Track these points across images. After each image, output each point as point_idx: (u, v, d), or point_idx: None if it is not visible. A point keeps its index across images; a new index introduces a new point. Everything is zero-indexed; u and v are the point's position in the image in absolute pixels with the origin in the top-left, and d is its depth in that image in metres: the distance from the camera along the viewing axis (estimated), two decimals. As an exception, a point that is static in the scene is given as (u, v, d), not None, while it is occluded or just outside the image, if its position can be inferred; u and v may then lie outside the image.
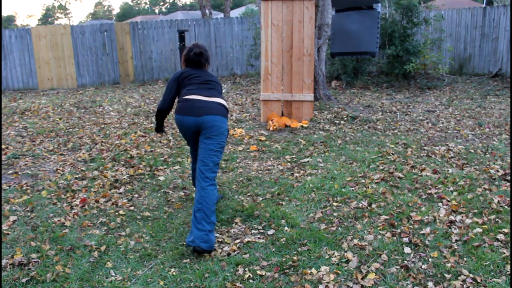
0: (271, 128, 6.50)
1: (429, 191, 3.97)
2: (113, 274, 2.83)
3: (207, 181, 3.16)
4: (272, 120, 6.64)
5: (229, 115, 7.62)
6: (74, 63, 12.64)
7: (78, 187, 4.42)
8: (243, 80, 12.40)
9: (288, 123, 6.68)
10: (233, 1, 33.48)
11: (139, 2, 67.04)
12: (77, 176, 4.74)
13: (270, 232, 3.32)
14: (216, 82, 3.43)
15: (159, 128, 3.74)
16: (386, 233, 3.22)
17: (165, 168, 4.93)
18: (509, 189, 3.95)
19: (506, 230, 3.18)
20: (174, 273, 2.81)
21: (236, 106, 8.56)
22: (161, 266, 2.91)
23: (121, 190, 4.31)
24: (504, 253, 2.89)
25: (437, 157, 4.97)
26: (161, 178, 4.60)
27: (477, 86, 10.07)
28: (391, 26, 10.37)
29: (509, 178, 4.24)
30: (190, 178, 4.63)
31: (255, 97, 9.41)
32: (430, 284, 2.61)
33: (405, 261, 2.85)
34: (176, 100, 3.51)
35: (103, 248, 3.14)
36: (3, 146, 5.96)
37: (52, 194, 4.23)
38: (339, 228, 3.35)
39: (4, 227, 3.51)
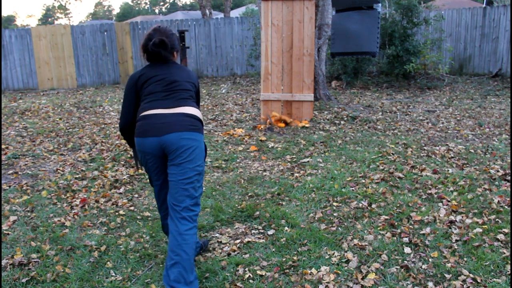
0: (269, 122, 6.52)
1: (429, 191, 3.97)
2: (113, 274, 2.83)
3: (185, 224, 2.42)
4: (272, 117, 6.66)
5: (229, 115, 7.62)
6: (74, 63, 12.65)
7: (78, 187, 4.42)
8: (243, 80, 12.40)
9: (288, 120, 6.69)
10: (233, 1, 33.48)
11: (139, 2, 67.05)
12: (77, 176, 4.74)
13: (270, 232, 3.32)
14: (187, 82, 2.61)
15: (132, 144, 2.81)
16: (386, 233, 3.22)
17: (165, 168, 4.93)
18: (509, 189, 3.95)
19: (506, 230, 3.18)
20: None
21: (236, 106, 8.56)
22: (161, 266, 2.90)
23: (121, 190, 4.31)
24: (504, 253, 2.89)
25: (437, 157, 4.97)
26: (161, 178, 4.59)
27: (477, 86, 10.07)
28: (391, 26, 10.37)
29: (509, 178, 4.23)
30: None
31: (255, 97, 9.41)
32: (430, 284, 2.61)
33: (405, 261, 2.85)
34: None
35: (103, 248, 3.14)
36: (3, 146, 5.96)
37: (52, 194, 4.22)
38: (339, 228, 3.35)
39: (4, 227, 3.51)
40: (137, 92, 2.60)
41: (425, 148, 5.37)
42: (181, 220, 2.43)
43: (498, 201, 3.69)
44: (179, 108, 2.50)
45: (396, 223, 3.38)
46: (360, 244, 3.07)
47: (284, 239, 3.19)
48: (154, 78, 2.55)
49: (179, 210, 2.44)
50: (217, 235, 3.32)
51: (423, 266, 2.79)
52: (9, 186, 4.49)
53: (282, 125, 6.64)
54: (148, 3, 66.46)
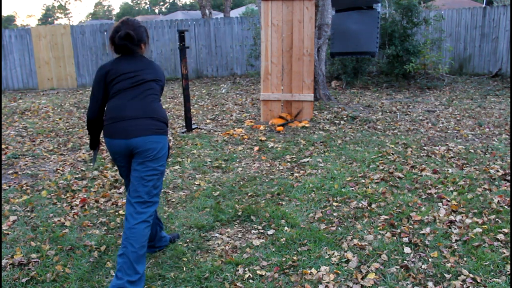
0: (271, 122, 6.52)
1: (429, 191, 3.97)
2: (113, 274, 2.83)
3: (136, 218, 2.56)
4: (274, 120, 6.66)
5: (229, 115, 7.62)
6: (74, 63, 12.65)
7: (78, 187, 4.42)
8: (243, 80, 12.40)
9: (289, 118, 6.69)
10: (233, 1, 33.47)
11: (139, 2, 67.05)
12: (77, 176, 4.74)
13: (270, 232, 3.32)
14: (153, 81, 2.70)
15: (94, 144, 2.98)
16: (386, 233, 3.22)
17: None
18: (509, 189, 3.95)
19: (506, 230, 3.18)
20: (173, 273, 2.81)
21: (236, 106, 8.56)
22: (161, 266, 2.91)
23: (121, 190, 4.31)
24: (504, 253, 2.89)
25: (437, 157, 4.97)
26: (161, 178, 4.59)
27: (477, 86, 10.07)
28: (391, 26, 10.37)
29: (509, 178, 4.23)
30: (190, 177, 4.63)
31: (255, 97, 9.41)
32: (430, 284, 2.61)
33: (405, 261, 2.85)
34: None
35: (103, 248, 3.14)
36: (3, 146, 5.96)
37: (52, 194, 4.22)
38: (339, 228, 3.35)
39: (4, 227, 3.51)
40: (106, 86, 2.68)
41: (425, 148, 5.37)
42: (134, 215, 2.58)
43: (498, 201, 3.69)
44: (146, 109, 2.63)
45: (396, 223, 3.38)
46: (360, 244, 3.08)
47: (284, 239, 3.19)
48: (123, 75, 2.64)
49: (136, 204, 2.59)
50: (217, 235, 3.32)
51: (423, 266, 2.79)
52: (9, 186, 4.49)
53: (281, 127, 6.63)
54: (148, 3, 66.46)
